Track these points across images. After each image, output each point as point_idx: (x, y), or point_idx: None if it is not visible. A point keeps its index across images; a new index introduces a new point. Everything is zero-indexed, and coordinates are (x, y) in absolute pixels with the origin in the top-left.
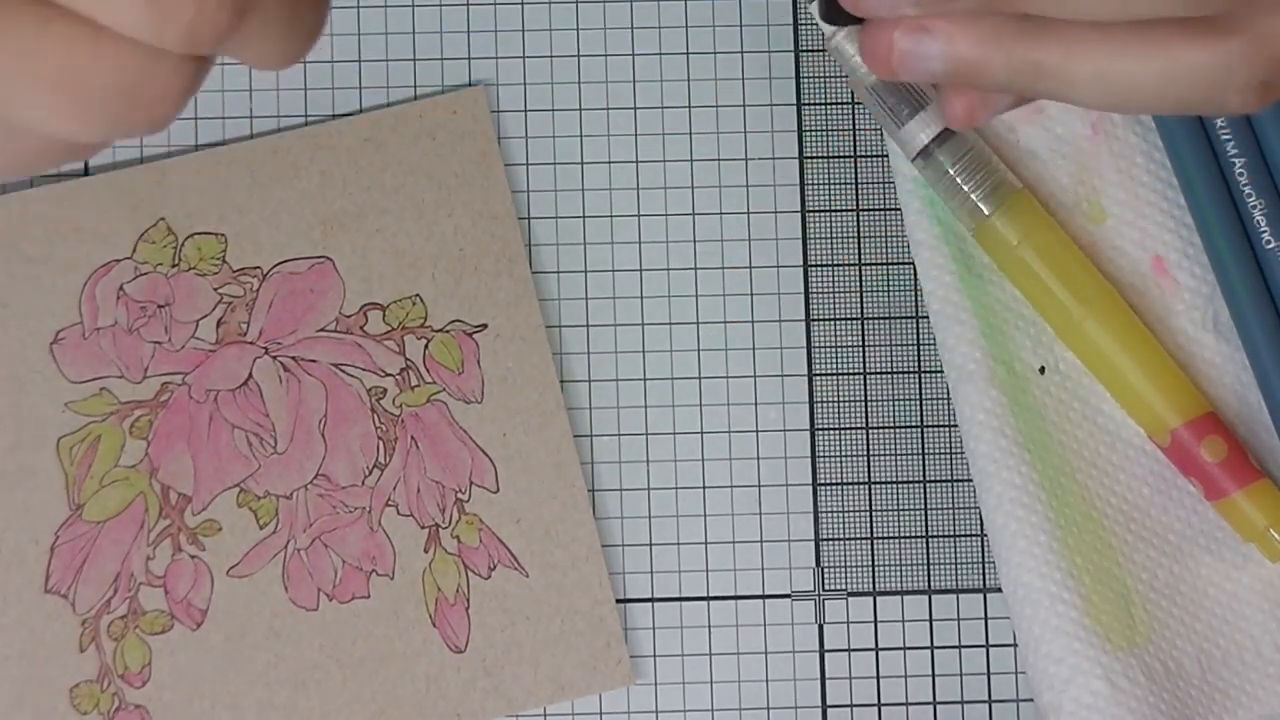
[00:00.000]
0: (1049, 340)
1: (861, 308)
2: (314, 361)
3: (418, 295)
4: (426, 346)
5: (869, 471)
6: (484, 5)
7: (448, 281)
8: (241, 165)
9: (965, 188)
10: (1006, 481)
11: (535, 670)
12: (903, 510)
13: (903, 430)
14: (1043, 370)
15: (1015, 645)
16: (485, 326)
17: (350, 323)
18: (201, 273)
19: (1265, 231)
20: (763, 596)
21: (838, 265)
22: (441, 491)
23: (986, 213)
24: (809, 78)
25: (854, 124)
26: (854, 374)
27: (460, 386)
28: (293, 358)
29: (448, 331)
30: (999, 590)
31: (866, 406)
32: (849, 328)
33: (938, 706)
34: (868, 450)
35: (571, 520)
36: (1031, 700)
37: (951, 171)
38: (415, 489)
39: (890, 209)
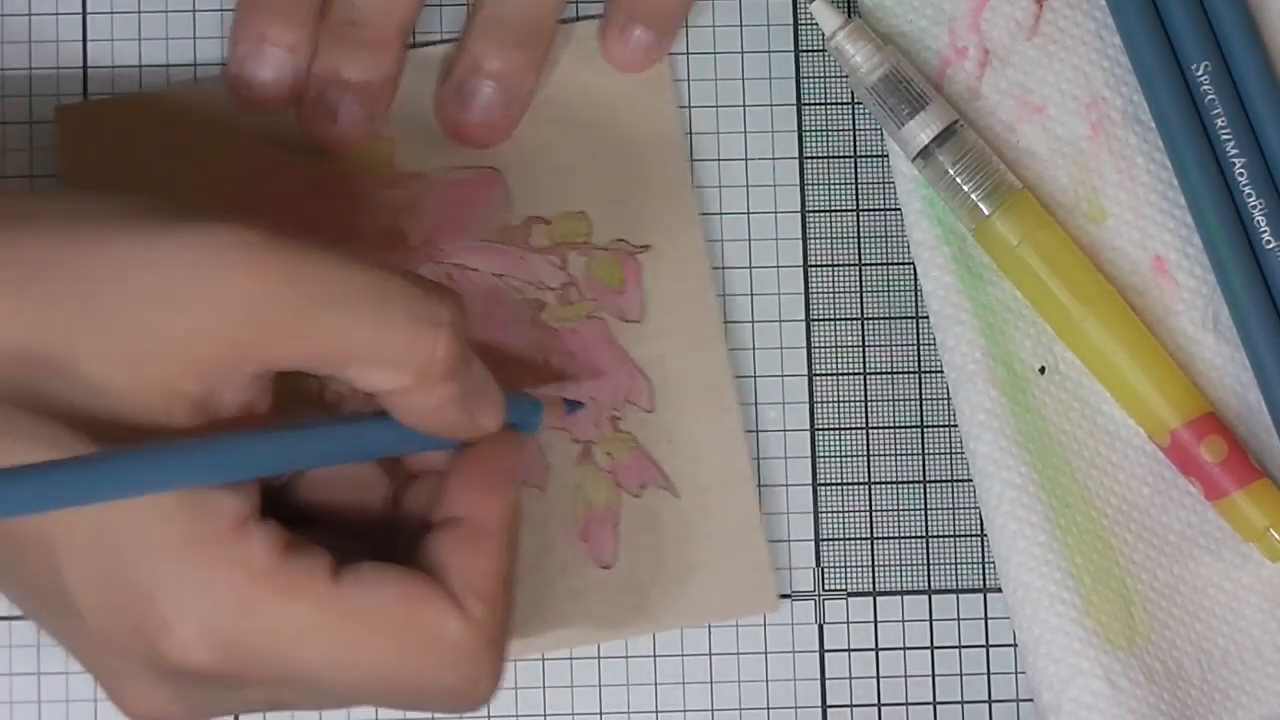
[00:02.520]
0: (1049, 340)
1: (861, 308)
2: (475, 270)
3: (583, 211)
4: (589, 263)
5: (869, 471)
6: None
7: (613, 200)
8: (416, 72)
9: (965, 188)
10: (1006, 482)
11: (681, 591)
12: (903, 510)
13: (903, 430)
14: (1043, 370)
15: (1015, 645)
16: (648, 247)
17: (514, 234)
18: (369, 175)
19: (1265, 231)
20: None
21: (838, 265)
22: (596, 408)
23: (986, 213)
24: (809, 78)
25: (854, 124)
26: (854, 374)
27: (620, 305)
28: (455, 265)
29: (610, 249)
30: (999, 590)
31: (866, 406)
32: (849, 328)
33: (938, 706)
34: (868, 450)
35: (724, 444)
36: (1031, 700)
37: (951, 171)
38: None
39: (890, 209)
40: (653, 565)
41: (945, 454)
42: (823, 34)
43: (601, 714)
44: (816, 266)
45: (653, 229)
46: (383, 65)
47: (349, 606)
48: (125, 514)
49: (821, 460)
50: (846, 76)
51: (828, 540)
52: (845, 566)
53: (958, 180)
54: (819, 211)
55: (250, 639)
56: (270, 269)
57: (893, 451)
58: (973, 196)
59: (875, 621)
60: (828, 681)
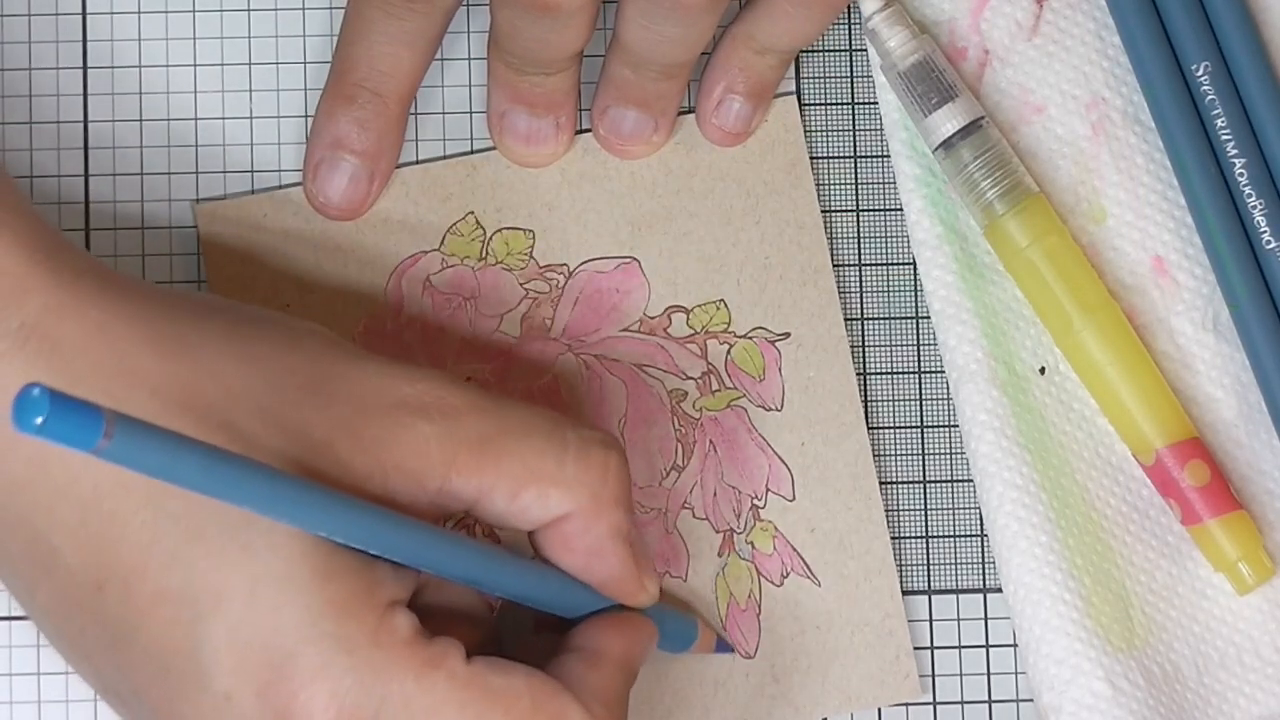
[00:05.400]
0: (1050, 341)
1: (861, 308)
2: (616, 361)
3: (722, 300)
4: (729, 351)
5: None
6: None
7: (752, 288)
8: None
9: (983, 184)
10: (1007, 482)
11: (823, 680)
12: (903, 510)
13: (903, 430)
14: (1043, 371)
15: (1015, 645)
16: (788, 335)
17: (654, 324)
18: (508, 267)
19: (1265, 231)
20: None
21: (838, 265)
22: (738, 497)
23: (1000, 212)
24: (809, 78)
25: (854, 124)
26: (855, 374)
27: (761, 393)
28: (595, 356)
29: (750, 338)
30: (999, 590)
31: (867, 406)
32: (849, 328)
33: (938, 706)
34: None
35: (866, 532)
36: (1031, 700)
37: (971, 166)
38: (712, 493)
39: (890, 209)
40: (795, 654)
41: (945, 454)
42: (860, 14)
43: None
44: None
45: (792, 316)
46: (385, 133)
47: (482, 685)
48: (282, 570)
49: None
50: (880, 63)
51: None
52: None
53: (976, 176)
54: (820, 212)
55: (381, 708)
56: (457, 401)
57: (893, 451)
58: (989, 194)
59: None
60: None
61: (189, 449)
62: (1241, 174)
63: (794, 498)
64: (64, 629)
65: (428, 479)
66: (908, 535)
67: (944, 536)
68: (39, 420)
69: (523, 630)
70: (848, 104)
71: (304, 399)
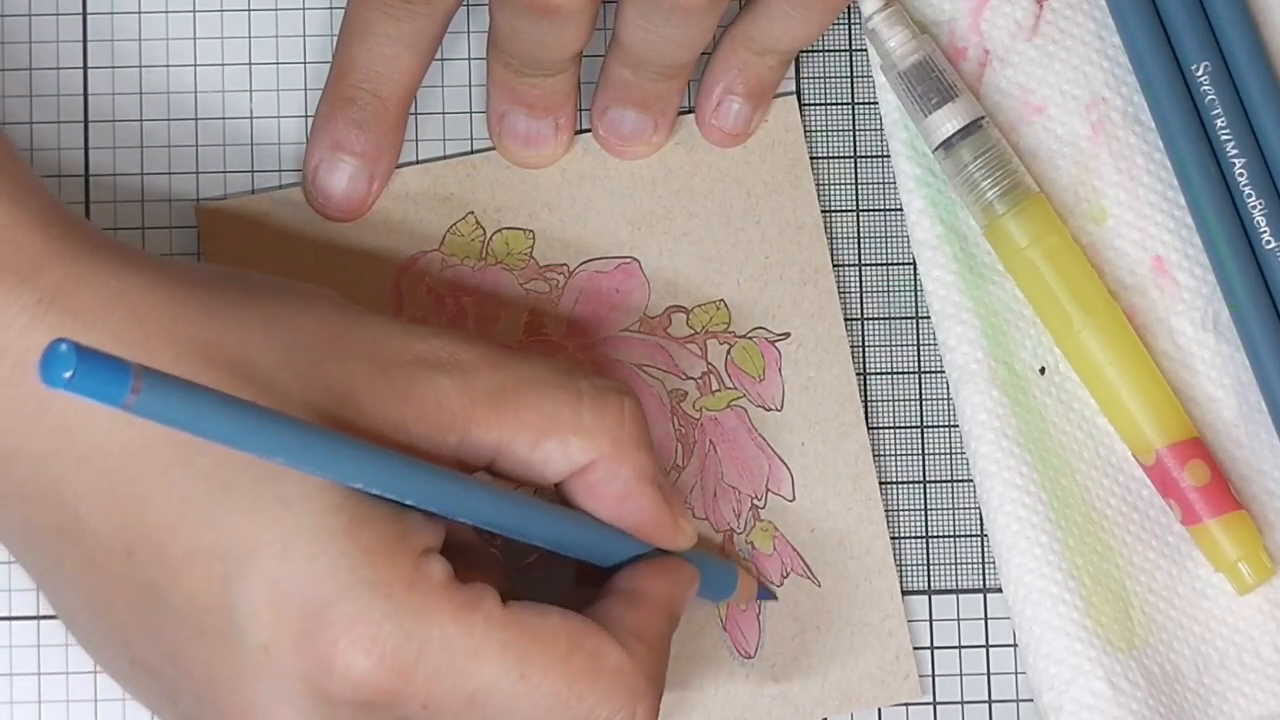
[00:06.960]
0: (1050, 341)
1: (861, 308)
2: (617, 361)
3: (722, 300)
4: (729, 352)
5: None
6: None
7: (752, 288)
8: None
9: (983, 184)
10: (1007, 482)
11: (823, 680)
12: (903, 510)
13: (903, 430)
14: (1043, 371)
15: (1015, 645)
16: (788, 335)
17: (654, 324)
18: (508, 267)
19: (1265, 231)
20: None
21: (838, 265)
22: (738, 497)
23: (1000, 211)
24: (809, 78)
25: (854, 124)
26: (855, 374)
27: (761, 393)
28: (595, 356)
29: (750, 338)
30: (999, 590)
31: (867, 406)
32: (849, 328)
33: (938, 706)
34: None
35: (866, 532)
36: (1031, 700)
37: (971, 166)
38: (712, 493)
39: (890, 209)
40: (795, 654)
41: (945, 454)
42: (860, 13)
43: None
44: None
45: (792, 316)
46: (385, 134)
47: (520, 625)
48: (315, 521)
49: None
50: (880, 63)
51: None
52: None
53: (976, 176)
54: (820, 211)
55: (422, 652)
56: (470, 356)
57: (893, 451)
58: (989, 194)
59: None
60: None
61: (218, 401)
62: (1241, 174)
63: (794, 498)
64: (92, 600)
65: (449, 431)
66: (908, 535)
67: (944, 536)
68: (67, 374)
69: (563, 583)
70: (848, 104)
71: (323, 355)
